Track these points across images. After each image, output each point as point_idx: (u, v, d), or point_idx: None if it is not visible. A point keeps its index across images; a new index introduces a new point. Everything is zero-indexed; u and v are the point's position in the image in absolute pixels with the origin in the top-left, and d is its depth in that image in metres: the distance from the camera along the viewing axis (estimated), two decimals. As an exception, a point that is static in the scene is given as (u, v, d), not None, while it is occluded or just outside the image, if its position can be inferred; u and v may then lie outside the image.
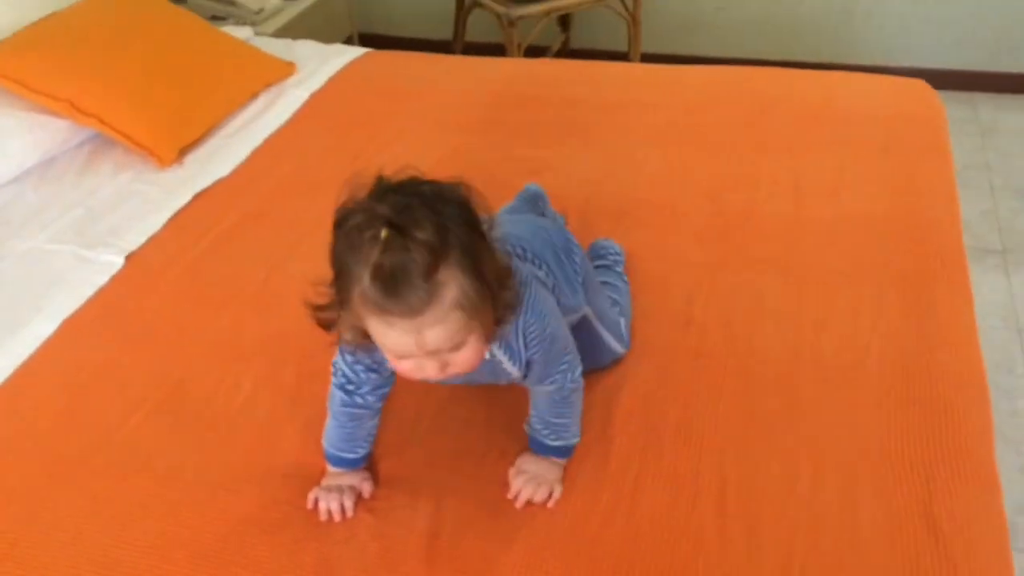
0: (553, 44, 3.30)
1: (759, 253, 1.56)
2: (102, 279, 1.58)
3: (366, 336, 0.96)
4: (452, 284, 0.89)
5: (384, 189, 0.92)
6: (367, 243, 0.87)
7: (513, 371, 1.10)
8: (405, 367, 0.97)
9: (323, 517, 1.11)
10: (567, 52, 3.38)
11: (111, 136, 1.93)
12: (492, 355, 1.07)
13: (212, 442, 1.24)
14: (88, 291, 1.54)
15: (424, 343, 0.92)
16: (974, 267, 2.38)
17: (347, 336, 1.00)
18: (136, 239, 1.68)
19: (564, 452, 1.17)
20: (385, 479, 1.18)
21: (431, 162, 1.86)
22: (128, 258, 1.63)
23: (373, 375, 1.11)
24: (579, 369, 1.15)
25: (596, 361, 1.27)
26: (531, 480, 1.13)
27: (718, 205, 1.68)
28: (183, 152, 1.96)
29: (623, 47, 3.20)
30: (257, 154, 1.96)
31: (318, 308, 1.00)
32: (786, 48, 3.22)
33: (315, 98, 2.18)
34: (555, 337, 1.11)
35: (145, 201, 1.80)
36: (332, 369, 1.13)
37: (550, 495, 1.12)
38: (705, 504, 1.11)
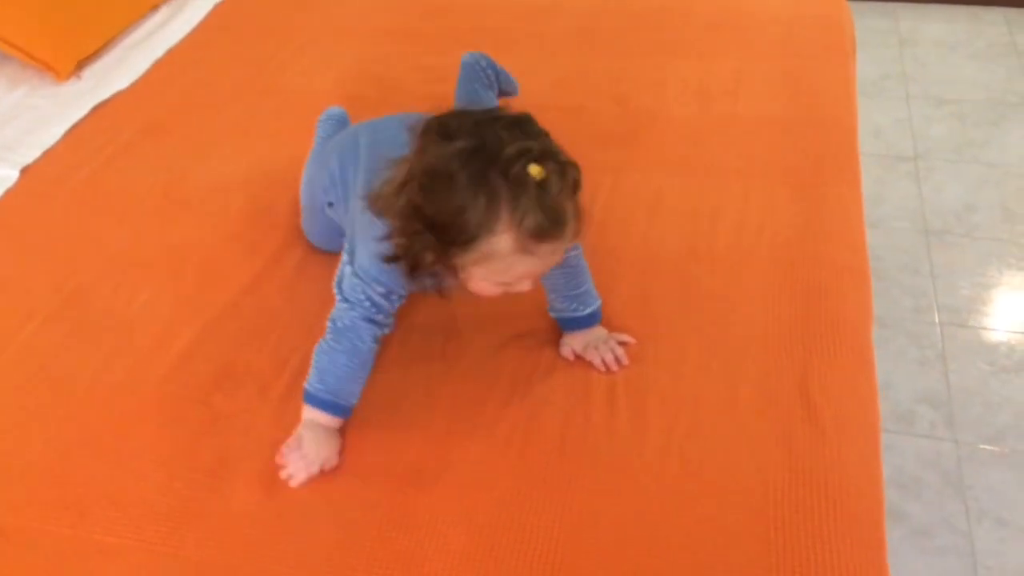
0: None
1: (662, 154, 1.58)
2: (-5, 193, 1.54)
3: (453, 272, 0.98)
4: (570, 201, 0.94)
5: (461, 126, 0.94)
6: (512, 180, 0.89)
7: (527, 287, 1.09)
8: (498, 290, 1.00)
9: (282, 476, 1.05)
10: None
11: (3, 50, 1.86)
12: None
13: (109, 346, 1.24)
14: (-21, 204, 1.51)
15: (551, 262, 0.99)
16: (886, 173, 2.47)
17: (431, 279, 1.02)
18: (31, 153, 1.64)
19: (594, 318, 1.20)
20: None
21: (337, 72, 1.84)
22: (23, 171, 1.60)
23: (402, 299, 1.10)
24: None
25: None
26: (591, 350, 1.17)
27: (624, 108, 1.70)
28: (81, 65, 1.90)
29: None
30: (158, 66, 1.91)
31: (403, 255, 0.98)
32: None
33: (219, 8, 2.12)
34: None
35: (41, 115, 1.76)
36: (345, 307, 1.08)
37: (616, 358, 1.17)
38: (596, 387, 1.15)
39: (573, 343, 1.20)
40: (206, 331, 1.26)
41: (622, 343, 1.21)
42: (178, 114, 1.75)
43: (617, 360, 1.18)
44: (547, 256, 0.97)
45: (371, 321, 1.08)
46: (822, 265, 1.32)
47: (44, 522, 1.03)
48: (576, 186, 0.96)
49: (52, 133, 1.69)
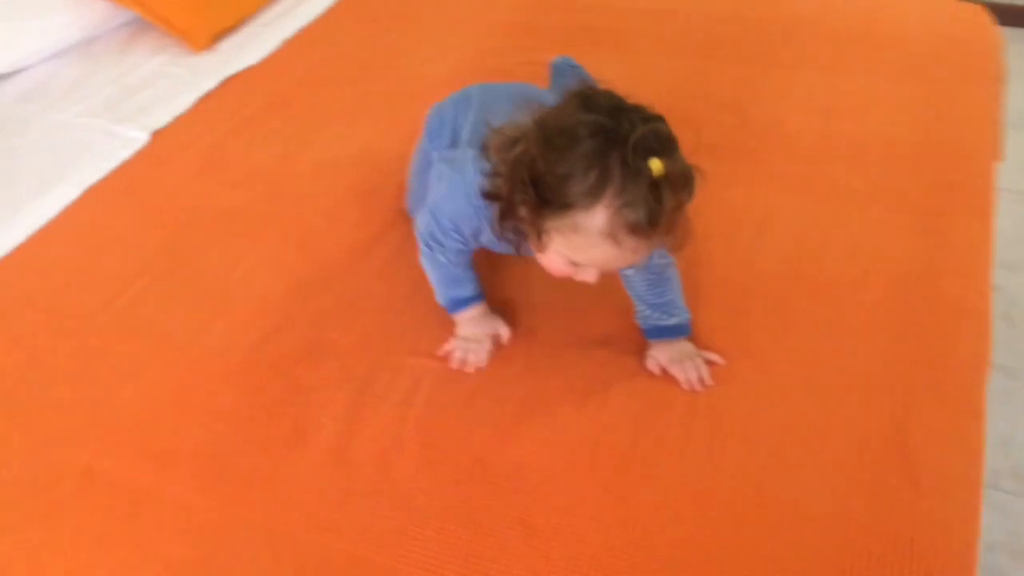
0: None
1: (776, 171, 1.52)
2: (127, 153, 1.63)
3: (538, 235, 0.97)
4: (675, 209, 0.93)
5: (603, 103, 0.93)
6: (629, 168, 0.88)
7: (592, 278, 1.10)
8: (565, 270, 1.01)
9: (454, 366, 1.16)
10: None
11: (149, 19, 1.96)
12: None
13: (209, 309, 1.29)
14: (112, 163, 1.60)
15: (629, 260, 0.96)
16: (1020, 208, 2.30)
17: (521, 230, 1.00)
18: (163, 118, 1.72)
19: (681, 330, 1.17)
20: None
21: (453, 61, 1.85)
22: (153, 135, 1.68)
23: (461, 247, 1.15)
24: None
25: None
26: (677, 366, 1.14)
27: (741, 119, 1.64)
28: (217, 38, 1.98)
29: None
30: (288, 44, 1.97)
31: (500, 197, 1.00)
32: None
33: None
34: None
35: (176, 83, 1.84)
36: (417, 237, 1.18)
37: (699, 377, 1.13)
38: (675, 404, 1.11)
39: (659, 355, 1.17)
40: (299, 304, 1.29)
41: (709, 362, 1.17)
42: (299, 91, 1.80)
43: (701, 379, 1.14)
44: (629, 252, 0.95)
45: (428, 246, 1.17)
46: (938, 303, 1.24)
47: (127, 469, 1.07)
48: (687, 197, 0.94)
49: (184, 100, 1.77)
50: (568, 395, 1.13)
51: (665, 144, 0.92)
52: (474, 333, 1.19)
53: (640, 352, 1.18)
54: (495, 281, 1.28)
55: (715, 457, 1.05)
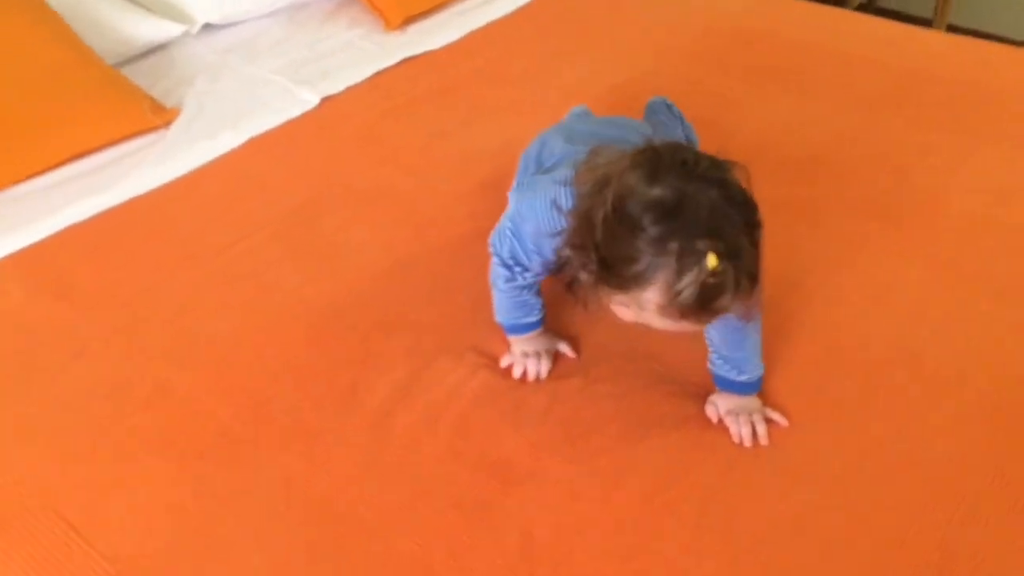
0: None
1: (915, 241, 1.41)
2: (295, 112, 1.76)
3: (599, 297, 0.98)
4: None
5: (670, 172, 0.91)
6: (687, 259, 0.87)
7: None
8: (632, 322, 0.99)
9: (517, 378, 1.18)
10: (872, 9, 3.10)
11: (357, -5, 2.10)
12: None
13: (312, 269, 1.38)
14: (279, 119, 1.74)
15: (691, 328, 0.96)
16: None
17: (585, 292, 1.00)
18: (337, 86, 1.85)
19: (751, 387, 1.13)
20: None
21: (611, 78, 1.85)
22: (323, 100, 1.80)
23: (540, 271, 1.15)
24: None
25: None
26: (732, 417, 1.11)
27: (898, 182, 1.53)
28: (411, 20, 2.09)
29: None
30: (471, 36, 2.05)
31: (565, 266, 1.02)
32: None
33: (541, -1, 2.22)
34: None
35: (360, 56, 1.96)
36: (491, 251, 1.18)
37: (754, 432, 1.09)
38: (717, 459, 1.07)
39: (720, 403, 1.13)
40: (394, 280, 1.35)
41: (770, 421, 1.11)
42: (465, 82, 1.87)
43: (755, 436, 1.09)
44: (688, 326, 0.94)
45: (504, 266, 1.16)
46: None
47: (203, 396, 1.17)
48: (745, 292, 0.90)
49: (360, 73, 1.89)
50: (610, 425, 1.11)
51: (732, 232, 0.89)
52: (532, 348, 1.19)
53: (703, 397, 1.15)
54: (562, 305, 1.27)
55: (737, 521, 1.00)
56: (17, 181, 1.55)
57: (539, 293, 1.21)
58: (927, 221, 1.45)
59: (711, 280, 0.87)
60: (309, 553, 0.98)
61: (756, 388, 1.14)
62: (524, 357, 1.19)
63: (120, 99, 1.69)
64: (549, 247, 1.09)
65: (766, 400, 1.14)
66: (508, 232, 1.15)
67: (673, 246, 0.87)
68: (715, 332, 1.12)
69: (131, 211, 1.50)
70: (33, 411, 1.16)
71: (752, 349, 1.13)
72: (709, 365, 1.15)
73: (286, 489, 1.05)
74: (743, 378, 1.13)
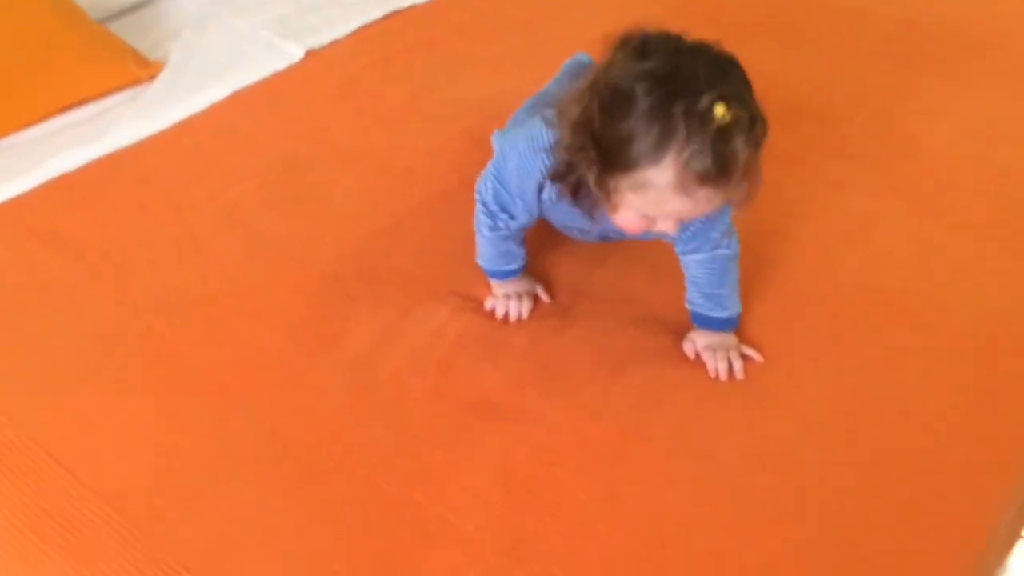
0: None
1: (894, 181, 1.42)
2: (280, 65, 1.77)
3: (607, 195, 0.95)
4: (746, 154, 0.89)
5: (660, 48, 0.90)
6: (694, 117, 0.85)
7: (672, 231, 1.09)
8: (641, 225, 0.97)
9: (499, 318, 1.20)
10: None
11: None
12: None
13: (300, 217, 1.39)
14: (264, 72, 1.74)
15: (704, 209, 0.93)
16: None
17: (591, 195, 0.98)
18: (321, 39, 1.85)
19: (729, 323, 1.15)
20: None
21: (609, 31, 1.83)
22: (308, 53, 1.81)
23: (525, 218, 1.15)
24: (736, 236, 1.13)
25: None
26: (709, 352, 1.12)
27: (883, 127, 1.55)
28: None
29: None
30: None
31: (567, 173, 1.00)
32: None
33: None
34: None
35: (348, 11, 1.96)
36: (476, 197, 1.18)
37: (730, 367, 1.11)
38: (691, 391, 1.10)
39: (697, 339, 1.15)
40: (379, 229, 1.36)
41: (746, 358, 1.13)
42: (451, 35, 1.87)
43: (731, 371, 1.11)
44: (703, 201, 0.91)
45: (486, 214, 1.17)
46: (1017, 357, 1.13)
47: (191, 343, 1.18)
48: (759, 143, 0.90)
49: (346, 27, 1.89)
50: (588, 361, 1.14)
51: (732, 86, 0.88)
52: (513, 290, 1.21)
53: (679, 334, 1.17)
54: (543, 251, 1.29)
55: (711, 451, 1.03)
56: (2, 135, 1.55)
57: (523, 243, 1.22)
58: (909, 164, 1.47)
59: (723, 132, 0.85)
60: (295, 490, 1.00)
61: (734, 325, 1.16)
62: (506, 299, 1.21)
63: (104, 53, 1.70)
64: (532, 189, 1.10)
65: (743, 338, 1.16)
66: (492, 175, 1.16)
67: (677, 109, 0.85)
68: (698, 268, 1.14)
69: (117, 163, 1.51)
70: (23, 356, 1.18)
71: (732, 286, 1.15)
72: (687, 304, 1.17)
73: (272, 430, 1.07)
74: (723, 315, 1.15)
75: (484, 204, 1.18)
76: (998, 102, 1.60)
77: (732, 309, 1.16)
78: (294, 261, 1.31)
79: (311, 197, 1.44)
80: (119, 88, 1.68)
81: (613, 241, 1.24)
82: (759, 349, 1.15)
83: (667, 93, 0.86)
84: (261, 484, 1.01)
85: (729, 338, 1.15)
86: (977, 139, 1.51)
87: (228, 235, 1.36)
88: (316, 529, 0.96)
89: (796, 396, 1.09)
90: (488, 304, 1.22)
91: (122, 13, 1.92)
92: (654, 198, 0.92)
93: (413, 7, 1.98)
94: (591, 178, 0.95)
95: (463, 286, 1.26)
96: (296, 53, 1.80)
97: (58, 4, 1.70)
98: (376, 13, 1.94)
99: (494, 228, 1.18)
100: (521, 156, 1.10)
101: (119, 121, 1.60)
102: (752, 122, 0.88)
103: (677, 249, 1.15)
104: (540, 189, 1.11)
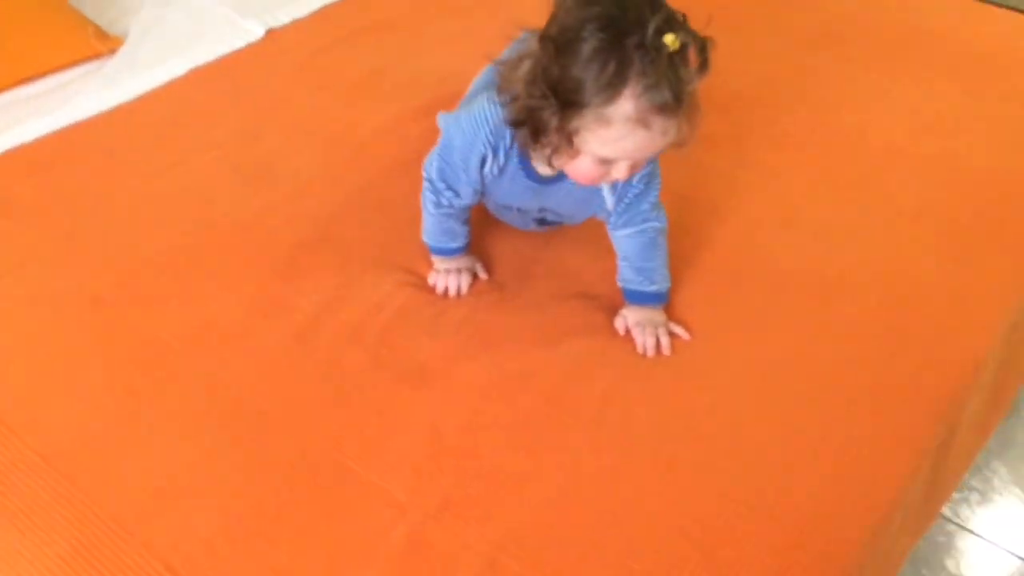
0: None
1: (828, 170, 1.48)
2: (239, 43, 1.79)
3: (568, 140, 0.98)
4: (695, 81, 0.94)
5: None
6: (646, 50, 0.89)
7: (609, 201, 1.14)
8: (597, 172, 1.01)
9: (440, 293, 1.24)
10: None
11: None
12: None
13: (250, 189, 1.42)
14: (222, 50, 1.76)
15: (661, 142, 0.97)
16: None
17: (551, 141, 1.00)
18: (282, 18, 1.87)
19: (659, 297, 1.20)
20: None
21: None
22: (268, 32, 1.83)
23: (469, 196, 1.19)
24: (663, 210, 1.18)
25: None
26: (639, 328, 1.17)
27: (819, 117, 1.60)
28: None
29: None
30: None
31: (526, 118, 1.01)
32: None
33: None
34: (656, 171, 1.16)
35: (308, -11, 1.98)
36: (423, 174, 1.22)
37: (658, 344, 1.16)
38: (617, 366, 1.14)
39: (628, 316, 1.19)
40: (327, 200, 1.40)
41: (674, 336, 1.18)
42: (412, 14, 1.90)
43: (659, 347, 1.16)
44: (659, 135, 0.95)
45: (432, 191, 1.21)
46: (932, 340, 1.18)
47: (136, 307, 1.22)
48: (706, 65, 0.94)
49: (307, 6, 1.91)
50: (522, 334, 1.18)
51: (676, 20, 0.92)
52: (454, 266, 1.25)
53: (613, 311, 1.21)
54: (486, 232, 1.33)
55: (633, 425, 1.08)
56: (-40, 105, 1.57)
57: (466, 222, 1.26)
58: (844, 152, 1.52)
59: (673, 60, 0.90)
60: (232, 450, 1.04)
61: (663, 300, 1.21)
62: (446, 274, 1.25)
63: (64, 26, 1.72)
64: (475, 165, 1.14)
65: (672, 315, 1.21)
66: (437, 154, 1.20)
67: (630, 42, 0.90)
68: (628, 242, 1.19)
69: (75, 134, 1.53)
70: (-33, 319, 1.21)
71: (661, 260, 1.20)
72: (619, 281, 1.22)
73: (209, 391, 1.10)
74: (652, 288, 1.19)
75: (430, 181, 1.21)
76: (932, 92, 1.66)
77: (661, 283, 1.20)
78: (245, 230, 1.34)
79: (266, 169, 1.47)
80: (79, 61, 1.70)
81: (549, 226, 1.29)
82: (687, 327, 1.19)
83: (618, 30, 0.91)
84: (199, 443, 1.05)
85: (658, 315, 1.20)
86: (909, 128, 1.57)
87: (181, 204, 1.39)
88: (251, 487, 1.00)
89: (719, 370, 1.14)
90: (430, 279, 1.26)
91: (85, -13, 1.93)
92: (613, 135, 0.95)
93: (373, -13, 2.00)
94: (553, 123, 0.98)
95: (407, 261, 1.30)
96: (256, 31, 1.82)
97: (19, -24, 1.72)
98: (337, -7, 1.96)
99: (438, 205, 1.22)
100: (464, 133, 1.14)
101: (78, 94, 1.62)
102: (703, 44, 0.93)
103: (609, 226, 1.20)
104: (483, 164, 1.15)
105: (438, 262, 1.27)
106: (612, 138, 0.96)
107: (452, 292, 1.24)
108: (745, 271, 1.29)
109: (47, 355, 1.15)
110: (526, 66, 0.99)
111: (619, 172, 1.02)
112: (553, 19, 0.97)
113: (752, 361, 1.15)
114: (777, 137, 1.55)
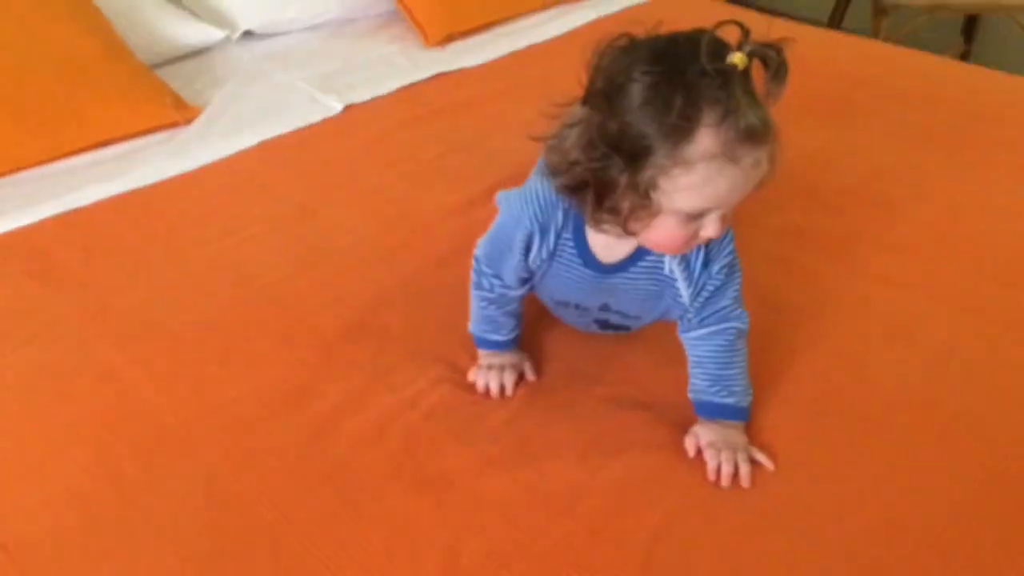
0: (948, 54, 2.81)
1: (934, 275, 1.27)
2: (316, 118, 1.73)
3: (644, 198, 0.84)
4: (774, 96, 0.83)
5: (643, 39, 0.83)
6: (711, 75, 0.78)
7: (684, 296, 1.00)
8: (684, 233, 0.87)
9: (480, 391, 1.09)
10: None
11: (401, 9, 2.08)
12: (669, 271, 0.99)
13: (297, 265, 1.32)
14: (297, 124, 1.70)
15: (753, 177, 0.83)
16: None
17: (623, 204, 0.86)
18: (363, 95, 1.81)
19: (739, 413, 1.02)
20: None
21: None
22: (346, 108, 1.77)
23: (513, 284, 1.07)
24: (744, 308, 1.02)
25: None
26: (713, 451, 0.98)
27: (943, 222, 1.39)
28: (452, 38, 2.06)
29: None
30: (510, 56, 2.00)
31: (590, 180, 0.87)
32: None
33: (600, 22, 2.15)
34: (736, 262, 1.01)
35: (393, 70, 1.93)
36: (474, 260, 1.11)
37: (736, 470, 0.97)
38: (676, 496, 0.95)
39: (702, 434, 1.00)
40: (374, 281, 1.28)
41: (756, 463, 0.98)
42: (489, 100, 1.81)
43: (735, 477, 0.96)
44: (750, 168, 0.82)
45: (477, 272, 1.10)
46: None
47: (145, 386, 1.11)
48: (782, 73, 0.81)
49: (389, 85, 1.85)
50: (569, 447, 1.01)
51: (725, 45, 0.80)
52: (498, 362, 1.11)
53: (682, 427, 1.03)
54: (539, 328, 1.19)
55: (691, 564, 0.88)
56: (30, 166, 1.55)
57: (514, 314, 1.12)
58: (966, 264, 1.31)
59: (745, 80, 0.79)
60: (211, 555, 0.90)
61: (743, 416, 1.02)
62: (488, 370, 1.10)
63: (144, 93, 1.69)
64: (519, 247, 1.01)
65: (753, 439, 1.01)
66: (489, 234, 1.08)
67: (691, 71, 0.77)
68: (704, 345, 1.02)
69: (128, 202, 1.47)
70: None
71: (741, 366, 1.02)
72: (690, 393, 1.04)
73: (207, 487, 0.97)
74: (731, 400, 1.01)
75: (477, 261, 1.10)
76: None
77: (741, 396, 1.02)
78: (283, 310, 1.24)
79: (317, 247, 1.37)
80: (154, 129, 1.67)
81: (613, 330, 1.13)
82: (771, 455, 1.00)
83: (675, 60, 0.79)
84: (183, 550, 0.90)
85: (739, 436, 1.00)
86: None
87: (221, 277, 1.30)
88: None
89: (802, 512, 0.94)
90: (470, 375, 1.11)
91: (179, 59, 1.94)
92: (697, 180, 0.81)
93: (459, 71, 1.93)
94: (622, 180, 0.83)
95: (451, 354, 1.15)
96: (335, 107, 1.76)
97: (106, 41, 1.72)
98: (423, 74, 1.90)
99: (479, 287, 1.09)
100: (511, 210, 1.02)
101: (145, 161, 1.58)
102: (770, 61, 0.80)
103: (681, 328, 1.04)
104: (528, 245, 1.01)
105: (483, 357, 1.12)
106: (697, 184, 0.81)
107: (494, 392, 1.08)
108: (845, 393, 1.08)
109: (39, 431, 1.05)
110: (576, 133, 0.86)
111: (711, 228, 0.86)
112: (595, 74, 0.84)
113: (845, 504, 0.94)
114: (893, 241, 1.35)
